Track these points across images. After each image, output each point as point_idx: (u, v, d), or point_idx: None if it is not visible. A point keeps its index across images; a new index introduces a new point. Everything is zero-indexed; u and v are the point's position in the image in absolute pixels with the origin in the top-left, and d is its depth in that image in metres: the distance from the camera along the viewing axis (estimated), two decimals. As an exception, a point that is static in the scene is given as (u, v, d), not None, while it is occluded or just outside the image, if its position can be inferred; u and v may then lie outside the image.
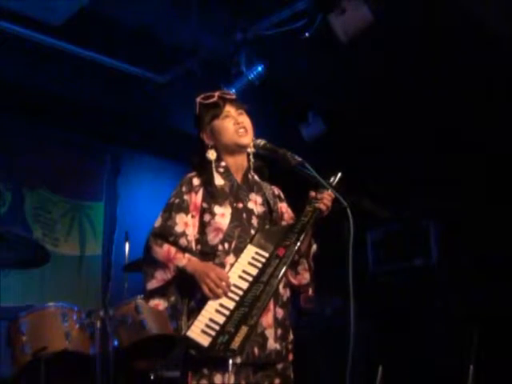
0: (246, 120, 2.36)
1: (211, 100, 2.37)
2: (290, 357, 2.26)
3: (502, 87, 4.29)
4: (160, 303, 2.19)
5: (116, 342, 3.58)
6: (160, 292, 2.19)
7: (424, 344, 4.78)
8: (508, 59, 4.14)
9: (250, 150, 2.36)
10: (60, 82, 4.70)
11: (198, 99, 2.40)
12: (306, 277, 2.34)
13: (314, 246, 2.38)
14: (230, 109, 2.35)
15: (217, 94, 2.38)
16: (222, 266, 2.17)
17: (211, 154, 2.34)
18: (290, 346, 2.25)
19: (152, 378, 3.82)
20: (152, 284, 2.18)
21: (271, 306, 2.18)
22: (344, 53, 4.10)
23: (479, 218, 4.80)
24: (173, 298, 2.20)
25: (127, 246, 4.22)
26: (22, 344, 3.41)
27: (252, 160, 2.38)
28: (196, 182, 2.30)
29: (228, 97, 2.40)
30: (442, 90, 4.48)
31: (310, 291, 2.37)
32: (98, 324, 3.51)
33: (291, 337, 2.28)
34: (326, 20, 3.78)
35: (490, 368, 4.02)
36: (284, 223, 2.37)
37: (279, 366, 2.21)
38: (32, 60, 4.43)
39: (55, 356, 3.40)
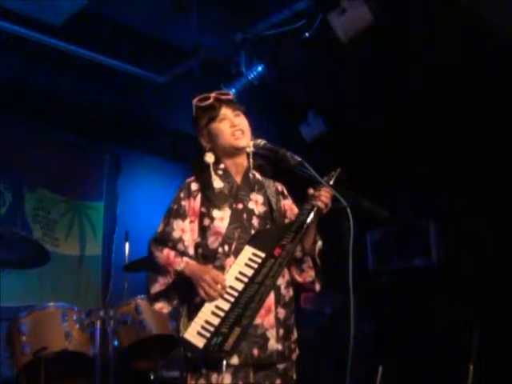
0: (242, 122, 2.33)
1: (207, 102, 2.33)
2: (294, 356, 2.26)
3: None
4: (164, 306, 2.22)
5: (116, 342, 3.58)
6: (164, 296, 2.21)
7: (424, 344, 4.78)
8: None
9: (249, 149, 2.33)
10: (60, 82, 4.71)
11: (194, 101, 2.37)
12: (310, 274, 2.33)
13: (320, 243, 2.37)
14: (226, 111, 2.32)
15: (213, 95, 2.35)
16: (222, 268, 2.17)
17: (209, 157, 2.33)
18: (293, 346, 2.25)
19: (152, 378, 3.83)
20: (155, 288, 2.21)
21: (272, 306, 2.18)
22: (344, 53, 4.09)
23: (479, 218, 4.80)
24: (175, 302, 2.23)
25: (127, 245, 4.22)
26: (22, 344, 3.41)
27: (251, 160, 2.36)
28: (194, 186, 2.30)
29: (224, 98, 2.36)
30: (442, 88, 4.47)
31: (317, 288, 2.35)
32: (98, 324, 3.52)
33: (295, 336, 2.27)
34: (325, 20, 3.78)
35: (490, 368, 4.02)
36: (286, 221, 2.35)
37: (280, 367, 2.20)
38: (32, 60, 4.43)
39: (55, 356, 3.40)
